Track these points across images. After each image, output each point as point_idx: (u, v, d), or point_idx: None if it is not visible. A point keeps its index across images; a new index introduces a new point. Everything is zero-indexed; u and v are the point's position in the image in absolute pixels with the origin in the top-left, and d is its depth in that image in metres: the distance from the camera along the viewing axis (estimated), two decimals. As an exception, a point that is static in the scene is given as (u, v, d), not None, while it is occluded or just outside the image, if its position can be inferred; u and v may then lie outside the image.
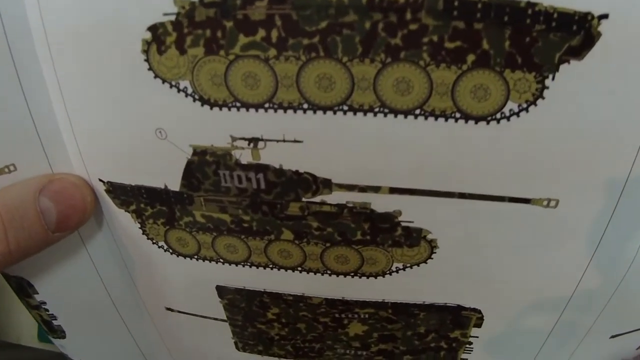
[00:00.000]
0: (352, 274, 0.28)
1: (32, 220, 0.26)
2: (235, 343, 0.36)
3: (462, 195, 0.23)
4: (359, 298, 0.29)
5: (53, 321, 0.37)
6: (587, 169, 0.22)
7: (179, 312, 0.35)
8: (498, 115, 0.21)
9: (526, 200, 0.23)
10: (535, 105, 0.20)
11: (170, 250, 0.30)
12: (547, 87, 0.20)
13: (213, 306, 0.33)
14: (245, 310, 0.32)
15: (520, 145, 0.21)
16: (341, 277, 0.28)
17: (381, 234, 0.25)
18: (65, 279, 0.33)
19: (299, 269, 0.28)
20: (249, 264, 0.29)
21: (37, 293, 0.34)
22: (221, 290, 0.31)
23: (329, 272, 0.28)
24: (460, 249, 0.25)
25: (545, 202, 0.23)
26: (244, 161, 0.24)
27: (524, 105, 0.20)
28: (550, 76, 0.19)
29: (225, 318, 0.34)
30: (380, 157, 0.22)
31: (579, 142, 0.21)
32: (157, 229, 0.29)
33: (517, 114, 0.20)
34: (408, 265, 0.27)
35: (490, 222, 0.24)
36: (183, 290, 0.32)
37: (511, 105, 0.20)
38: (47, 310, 0.35)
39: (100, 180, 0.27)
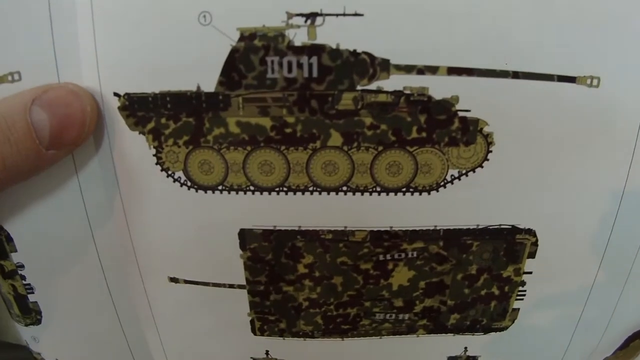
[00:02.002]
0: (404, 189, 0.26)
1: (20, 132, 0.23)
2: (252, 322, 0.31)
3: (516, 75, 0.24)
4: (408, 226, 0.27)
5: (29, 295, 0.30)
6: (628, 46, 0.24)
7: (186, 282, 0.29)
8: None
9: (572, 79, 0.24)
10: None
11: (189, 183, 0.26)
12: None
13: (231, 267, 0.28)
14: (271, 266, 0.28)
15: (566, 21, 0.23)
16: (391, 195, 0.26)
17: (438, 129, 0.24)
18: (50, 232, 0.27)
19: (345, 188, 0.26)
20: (285, 188, 0.26)
21: (16, 251, 0.28)
22: (245, 237, 0.27)
23: (378, 189, 0.26)
24: (514, 145, 0.25)
25: (588, 81, 0.24)
26: (297, 43, 0.23)
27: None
28: None
29: (244, 283, 0.29)
30: (441, 29, 0.22)
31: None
32: (176, 153, 0.26)
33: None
34: (463, 172, 0.26)
35: (541, 104, 0.24)
36: (195, 245, 0.28)
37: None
38: (23, 278, 0.29)
39: (116, 94, 0.24)
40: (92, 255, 0.29)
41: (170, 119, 0.25)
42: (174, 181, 0.26)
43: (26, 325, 0.33)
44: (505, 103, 0.24)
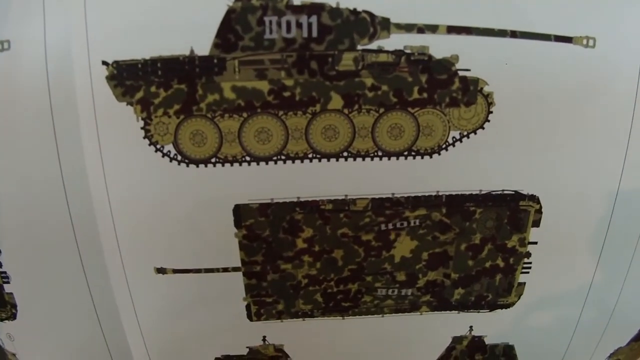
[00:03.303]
0: (406, 153, 0.26)
1: None
2: (248, 307, 0.30)
3: (514, 34, 0.24)
4: (411, 193, 0.27)
5: (4, 284, 0.28)
6: (623, 8, 0.25)
7: (175, 271, 0.28)
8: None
9: (568, 39, 0.25)
10: None
11: (179, 157, 0.25)
12: None
13: (224, 249, 0.28)
14: (268, 243, 0.27)
15: None
16: (392, 160, 0.26)
17: (439, 89, 0.24)
18: (28, 214, 0.26)
19: (345, 154, 0.26)
20: (283, 156, 0.25)
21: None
22: (240, 213, 0.27)
23: (379, 153, 0.26)
24: (514, 105, 0.25)
25: (584, 41, 0.25)
26: (296, 2, 0.23)
27: None
28: None
29: (239, 265, 0.28)
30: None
31: None
32: (166, 124, 0.25)
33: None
34: (465, 134, 0.26)
35: (540, 65, 0.24)
36: (185, 226, 0.27)
37: None
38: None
39: (104, 63, 0.23)
40: (70, 240, 0.27)
41: (160, 86, 0.24)
42: (163, 156, 0.26)
43: (1, 319, 0.31)
44: (504, 62, 0.25)
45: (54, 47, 0.24)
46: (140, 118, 0.25)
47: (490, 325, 0.32)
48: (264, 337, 0.31)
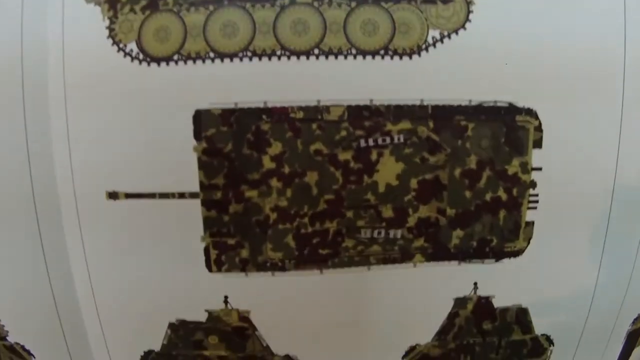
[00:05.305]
0: (382, 52, 0.24)
1: None
2: (207, 251, 0.25)
3: None
4: (392, 100, 0.24)
5: None
6: None
7: (127, 196, 0.25)
8: None
9: None
10: None
11: (141, 56, 0.24)
12: None
13: (182, 167, 0.25)
14: (230, 160, 0.24)
15: None
16: (368, 60, 0.24)
17: (414, -19, 0.24)
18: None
19: (316, 51, 0.24)
20: (249, 53, 0.24)
21: None
22: (201, 120, 0.24)
23: (353, 51, 0.24)
24: (495, 4, 0.24)
25: None
26: None
27: None
28: None
29: (197, 190, 0.25)
30: None
31: None
32: (131, 21, 0.24)
33: None
34: (445, 34, 0.24)
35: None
36: (141, 138, 0.24)
37: None
38: None
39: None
40: (23, 163, 0.25)
41: (127, -17, 0.24)
42: (125, 55, 0.24)
43: None
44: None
45: None
46: (106, 17, 0.24)
47: (498, 282, 0.27)
48: (226, 297, 0.27)
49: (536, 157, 0.26)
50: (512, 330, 0.28)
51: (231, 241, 0.26)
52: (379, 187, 0.25)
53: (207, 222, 0.25)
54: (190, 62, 0.24)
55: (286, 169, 0.25)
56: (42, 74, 0.25)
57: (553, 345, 0.29)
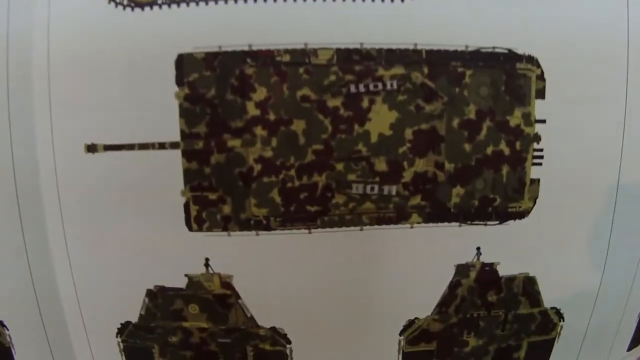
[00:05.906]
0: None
1: None
2: (187, 207, 0.24)
3: None
4: (383, 43, 0.23)
5: None
6: None
7: (106, 148, 0.23)
8: None
9: None
10: None
11: (125, 1, 0.23)
12: None
13: (163, 115, 0.23)
14: (213, 107, 0.23)
15: None
16: (358, 1, 0.23)
17: None
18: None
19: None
20: (235, -5, 0.23)
21: None
22: (184, 65, 0.23)
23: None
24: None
25: None
26: None
27: None
28: None
29: (177, 140, 0.23)
30: None
31: None
32: (113, -35, 0.23)
33: None
34: (441, -25, 0.23)
35: None
36: (122, 85, 0.23)
37: None
38: None
39: None
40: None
41: None
42: (110, 1, 0.24)
43: None
44: None
45: None
46: None
47: (502, 247, 0.25)
48: (207, 260, 0.25)
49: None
50: (519, 302, 0.26)
51: (212, 196, 0.24)
52: (371, 137, 0.24)
53: (188, 175, 0.24)
54: (174, 6, 0.23)
55: (271, 116, 0.23)
56: (27, 20, 0.24)
57: (563, 321, 0.27)
